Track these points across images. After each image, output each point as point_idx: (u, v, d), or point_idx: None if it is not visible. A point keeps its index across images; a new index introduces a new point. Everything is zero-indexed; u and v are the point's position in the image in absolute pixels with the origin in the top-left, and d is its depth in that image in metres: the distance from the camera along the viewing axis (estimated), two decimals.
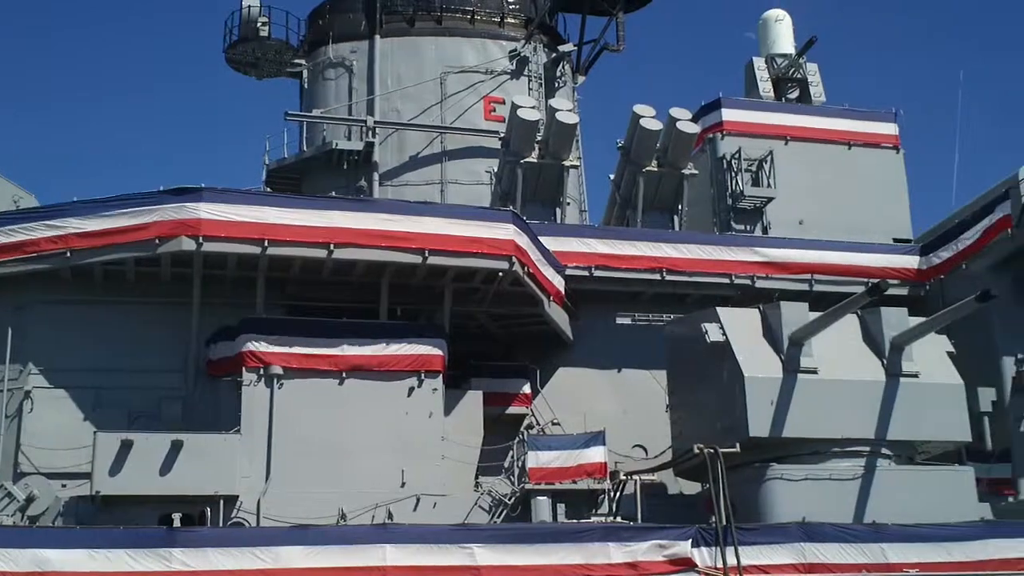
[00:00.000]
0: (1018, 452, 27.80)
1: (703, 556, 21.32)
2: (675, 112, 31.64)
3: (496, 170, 32.49)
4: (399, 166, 34.01)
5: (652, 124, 31.20)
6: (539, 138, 31.11)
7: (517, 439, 25.63)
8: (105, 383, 24.40)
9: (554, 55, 36.19)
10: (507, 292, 26.21)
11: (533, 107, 31.16)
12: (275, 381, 24.00)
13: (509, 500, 24.25)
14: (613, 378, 29.05)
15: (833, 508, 22.75)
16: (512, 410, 27.58)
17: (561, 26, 37.63)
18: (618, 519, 23.68)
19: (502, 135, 32.00)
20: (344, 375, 24.35)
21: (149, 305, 25.16)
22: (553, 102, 31.96)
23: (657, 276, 29.15)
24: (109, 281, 24.87)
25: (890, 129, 35.59)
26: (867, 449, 23.83)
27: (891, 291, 26.28)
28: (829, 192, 33.78)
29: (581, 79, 37.76)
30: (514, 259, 25.02)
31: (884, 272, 29.76)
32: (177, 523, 21.26)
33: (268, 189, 33.35)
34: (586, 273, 28.73)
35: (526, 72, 35.17)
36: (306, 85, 36.18)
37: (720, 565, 21.18)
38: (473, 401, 26.18)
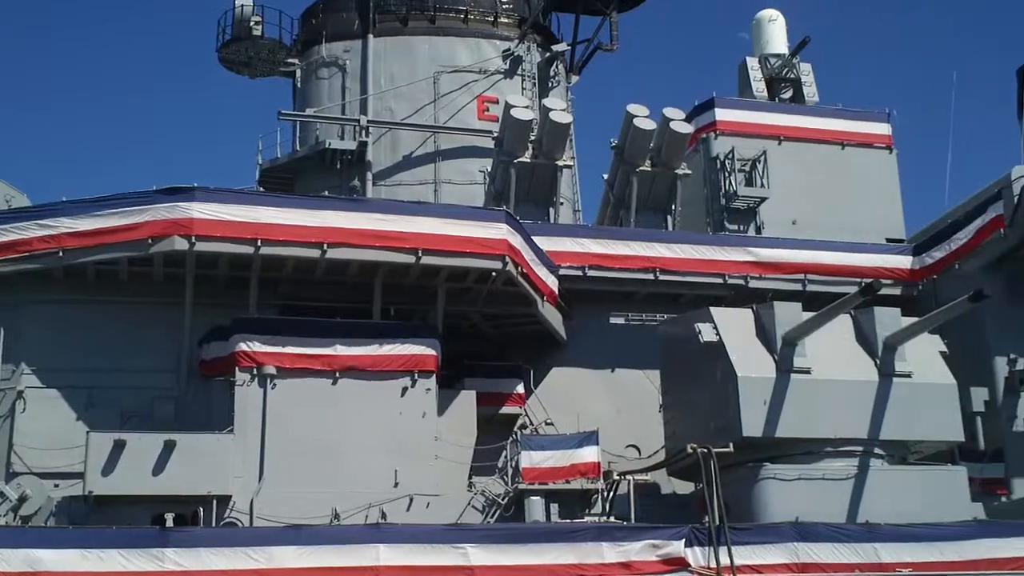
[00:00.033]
0: (1011, 452, 27.86)
1: (696, 556, 21.32)
2: (668, 112, 31.66)
3: (489, 170, 32.47)
4: (392, 166, 34.01)
5: (646, 124, 31.21)
6: (533, 138, 31.10)
7: (510, 439, 25.65)
8: (98, 383, 24.37)
9: (548, 55, 36.20)
10: (500, 292, 26.20)
11: (527, 107, 31.16)
12: (268, 381, 23.97)
13: (502, 500, 24.26)
14: (606, 378, 29.06)
15: (826, 508, 22.76)
16: (505, 410, 27.57)
17: (555, 26, 37.69)
18: (611, 519, 23.69)
19: (495, 135, 32.01)
20: (337, 375, 24.33)
21: (142, 305, 25.12)
22: (547, 102, 31.95)
23: (651, 276, 29.16)
24: (101, 281, 24.82)
25: (883, 129, 35.63)
26: (860, 449, 23.84)
27: (884, 291, 26.38)
28: (822, 192, 33.82)
29: (575, 79, 37.79)
30: (507, 259, 25.01)
31: (877, 272, 29.80)
32: (170, 523, 21.22)
33: (261, 189, 33.35)
34: (579, 273, 28.74)
35: (520, 72, 35.18)
36: (299, 84, 36.16)
37: (713, 565, 21.17)
38: (466, 401, 26.16)
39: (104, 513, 22.13)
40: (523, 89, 34.69)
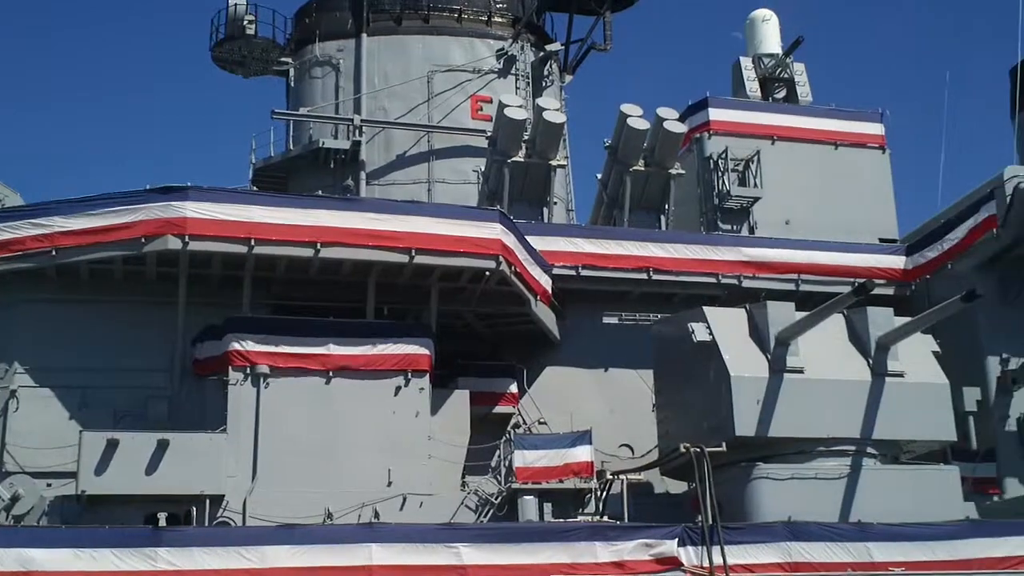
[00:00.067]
0: (1003, 451, 27.92)
1: (689, 555, 21.33)
2: (662, 112, 31.69)
3: (483, 169, 32.49)
4: (386, 165, 33.98)
5: (639, 123, 31.24)
6: (526, 137, 31.12)
7: (504, 438, 25.63)
8: (91, 382, 24.34)
9: (541, 54, 36.18)
10: (494, 291, 26.21)
11: (520, 106, 31.17)
12: (261, 380, 23.96)
13: (496, 499, 24.26)
14: (600, 377, 29.09)
15: (819, 507, 22.80)
16: (499, 409, 27.58)
17: (548, 25, 37.64)
18: (605, 518, 23.68)
19: (489, 134, 32.00)
20: (331, 374, 24.32)
21: (135, 304, 25.10)
22: (540, 101, 31.97)
23: (644, 276, 29.20)
24: (95, 280, 24.80)
25: (876, 129, 35.69)
26: (853, 448, 23.89)
27: (877, 291, 26.35)
28: (815, 192, 33.87)
29: (568, 78, 37.76)
30: (501, 258, 25.02)
31: (870, 272, 29.84)
32: (163, 522, 21.23)
33: (254, 188, 33.27)
34: (573, 272, 28.76)
35: (513, 71, 35.16)
36: (293, 84, 36.11)
37: (706, 564, 21.19)
38: (460, 400, 26.16)
39: (97, 512, 22.11)
40: (517, 89, 34.68)
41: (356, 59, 34.75)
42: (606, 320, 29.76)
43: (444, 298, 26.27)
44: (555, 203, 32.27)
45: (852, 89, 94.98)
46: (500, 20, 35.74)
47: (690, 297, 28.99)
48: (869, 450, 24.08)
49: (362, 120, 33.78)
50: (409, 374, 24.68)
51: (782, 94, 36.97)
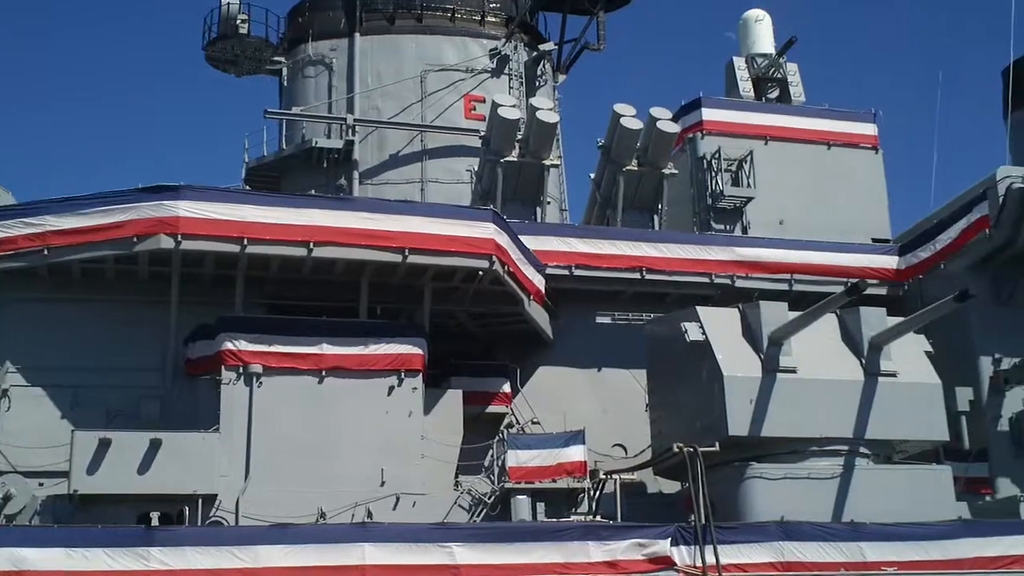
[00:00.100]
0: (995, 451, 27.99)
1: (682, 555, 21.35)
2: (655, 111, 31.68)
3: (476, 169, 32.46)
4: (379, 164, 33.96)
5: (632, 123, 31.23)
6: (519, 137, 31.09)
7: (497, 438, 25.63)
8: (83, 382, 24.27)
9: (535, 54, 36.20)
10: (487, 291, 26.19)
11: (513, 106, 31.16)
12: (254, 380, 23.90)
13: (489, 499, 24.25)
14: (593, 377, 29.08)
15: (812, 507, 22.81)
16: (492, 409, 27.56)
17: (542, 25, 37.67)
18: (598, 518, 23.69)
19: (482, 134, 31.99)
20: (324, 374, 24.27)
21: (127, 304, 25.06)
22: (534, 101, 31.93)
23: (637, 275, 29.19)
24: (87, 279, 24.75)
25: (869, 129, 35.73)
26: (845, 448, 23.90)
27: (870, 291, 26.45)
28: (808, 192, 33.91)
29: (562, 78, 37.79)
30: (494, 258, 25.00)
31: (863, 272, 29.87)
32: (155, 522, 21.16)
33: (247, 187, 33.25)
34: (566, 272, 28.75)
35: (506, 71, 35.17)
36: (286, 83, 36.08)
37: (699, 564, 21.20)
38: (453, 400, 26.14)
39: (89, 512, 22.04)
40: (510, 88, 34.68)
41: (349, 58, 34.74)
42: (599, 320, 29.76)
43: (437, 298, 26.25)
44: (548, 203, 32.25)
45: (845, 89, 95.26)
46: (493, 20, 35.73)
47: (683, 297, 29.00)
48: (862, 450, 24.09)
49: (355, 119, 33.76)
50: (402, 374, 24.65)
51: (775, 94, 37.00)
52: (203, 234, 23.65)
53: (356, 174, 33.58)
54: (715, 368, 23.52)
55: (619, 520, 23.20)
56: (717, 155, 33.33)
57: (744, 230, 33.14)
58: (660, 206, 32.27)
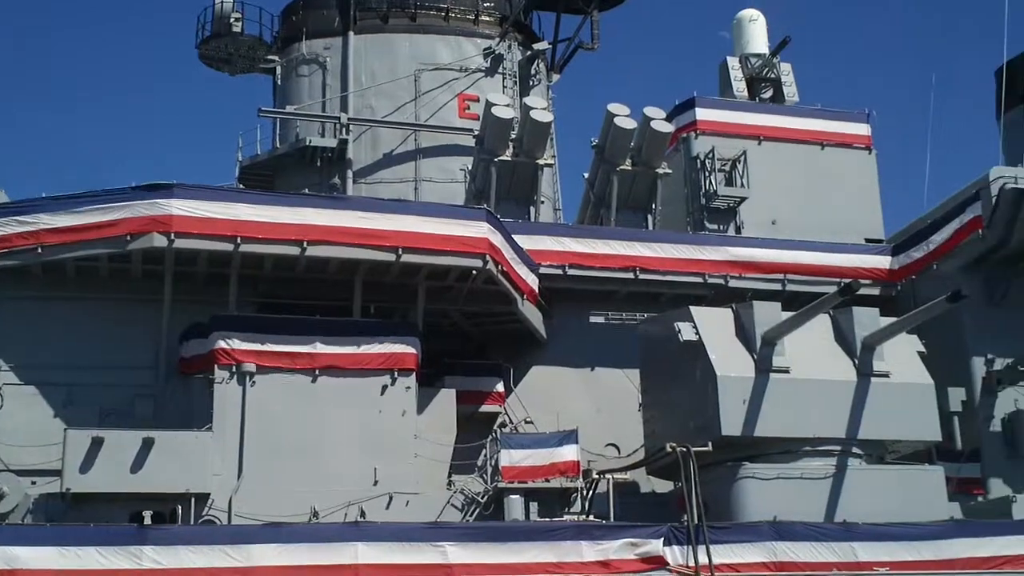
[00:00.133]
0: (987, 452, 28.05)
1: (675, 554, 21.39)
2: (649, 111, 31.69)
3: (470, 168, 32.45)
4: (373, 163, 33.92)
5: (626, 123, 31.24)
6: (513, 136, 31.09)
7: (490, 437, 25.59)
8: (76, 380, 24.26)
9: (529, 53, 36.15)
10: (481, 290, 26.20)
11: (507, 105, 31.14)
12: (247, 379, 23.88)
13: (482, 498, 24.23)
14: (586, 377, 29.09)
15: (804, 507, 22.86)
16: (485, 408, 27.58)
17: (536, 24, 37.59)
18: (590, 518, 23.69)
19: (476, 133, 31.97)
20: (317, 373, 24.25)
21: (121, 302, 25.04)
22: (528, 100, 31.95)
23: (631, 275, 29.22)
24: (80, 277, 24.75)
25: (862, 130, 35.74)
26: (838, 448, 23.95)
27: (863, 291, 26.43)
28: (802, 192, 33.91)
29: (556, 77, 37.74)
30: (488, 257, 25.02)
31: (856, 272, 29.91)
32: (148, 521, 21.16)
33: (241, 186, 33.18)
34: (560, 272, 28.76)
35: (500, 70, 35.12)
36: (279, 82, 35.99)
37: (692, 564, 21.24)
38: (446, 399, 26.13)
39: (82, 510, 21.98)
40: (504, 87, 34.65)
41: (343, 57, 34.67)
42: (593, 319, 29.78)
43: (431, 297, 26.26)
44: (542, 202, 32.26)
45: (839, 90, 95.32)
46: (487, 19, 35.70)
47: (677, 297, 29.02)
48: (854, 450, 24.14)
49: (349, 118, 33.71)
50: (395, 373, 24.63)
51: (769, 94, 37.00)
52: (196, 232, 23.65)
53: (350, 173, 33.52)
54: (708, 368, 23.54)
55: (612, 520, 23.24)
56: (711, 155, 33.34)
57: (738, 230, 33.16)
58: (654, 206, 32.29)
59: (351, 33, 34.85)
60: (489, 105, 30.68)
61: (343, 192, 32.74)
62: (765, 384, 23.59)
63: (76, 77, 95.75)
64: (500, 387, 27.83)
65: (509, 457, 24.15)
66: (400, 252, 24.57)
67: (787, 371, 23.82)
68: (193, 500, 22.52)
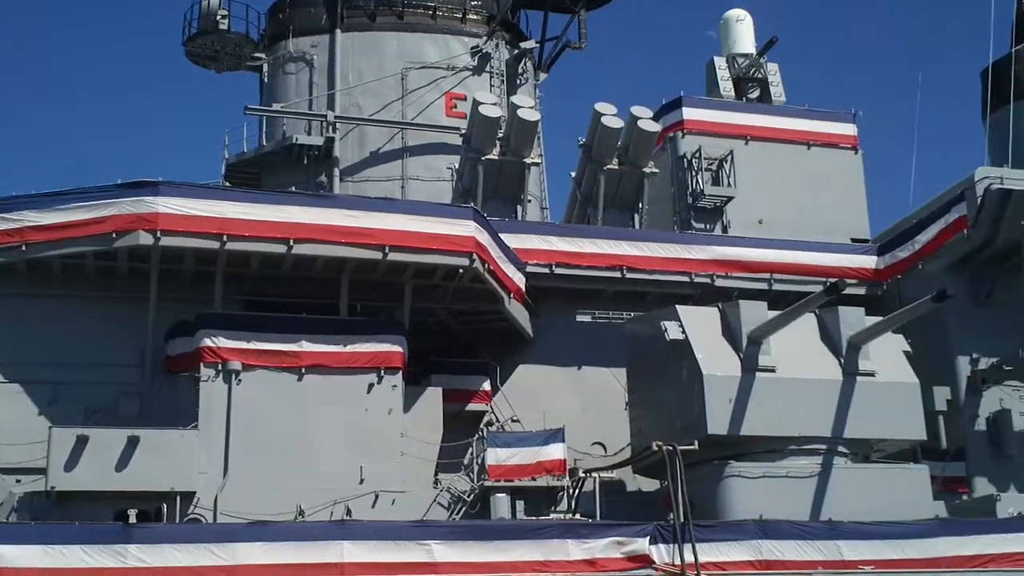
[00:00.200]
0: (972, 451, 28.17)
1: (661, 553, 21.43)
2: (636, 110, 31.69)
3: (457, 167, 32.41)
4: (360, 162, 33.86)
5: (613, 122, 31.24)
6: (500, 135, 31.07)
7: (477, 436, 25.62)
8: (61, 378, 24.19)
9: (516, 52, 36.13)
10: (467, 289, 26.19)
11: (495, 104, 31.11)
12: (233, 377, 23.83)
13: (468, 497, 24.23)
14: (573, 375, 29.10)
15: (790, 505, 22.92)
16: (472, 407, 27.55)
17: (523, 23, 37.58)
18: (577, 516, 23.73)
19: (463, 132, 31.94)
20: (303, 371, 24.21)
21: (106, 300, 24.98)
22: (515, 99, 31.93)
23: (617, 274, 29.24)
24: (66, 275, 24.69)
25: (849, 130, 35.80)
26: (824, 447, 24.01)
27: (849, 290, 26.50)
28: (788, 192, 33.93)
29: (543, 76, 37.73)
30: (475, 256, 25.01)
31: (842, 272, 29.95)
32: (133, 519, 21.12)
33: (227, 184, 33.11)
34: (547, 270, 28.76)
35: (488, 68, 35.10)
36: (266, 79, 35.90)
37: (678, 562, 21.28)
38: (433, 398, 26.11)
39: (66, 509, 21.92)
40: (491, 86, 34.63)
41: (330, 55, 34.60)
42: (579, 318, 29.79)
43: (417, 295, 26.24)
44: (529, 201, 32.25)
45: (825, 90, 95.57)
46: (475, 17, 35.67)
47: (663, 296, 29.04)
48: (840, 449, 24.21)
49: (336, 116, 33.65)
50: (382, 371, 24.62)
51: (756, 94, 37.04)
52: (182, 230, 23.59)
53: (336, 171, 33.45)
54: (695, 367, 23.58)
55: (598, 518, 23.28)
56: (698, 154, 33.37)
57: (724, 229, 33.19)
58: (641, 205, 32.30)
59: (338, 31, 34.78)
60: (476, 104, 30.65)
61: (330, 190, 32.69)
62: (751, 383, 23.64)
63: (61, 74, 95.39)
64: (487, 386, 27.81)
65: (495, 456, 24.16)
66: (387, 250, 24.54)
67: (773, 370, 23.88)
68: (178, 498, 22.45)
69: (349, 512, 22.82)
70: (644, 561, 21.35)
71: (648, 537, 21.46)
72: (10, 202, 24.16)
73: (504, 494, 23.76)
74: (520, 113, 30.52)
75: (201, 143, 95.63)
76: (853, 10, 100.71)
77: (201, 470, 22.97)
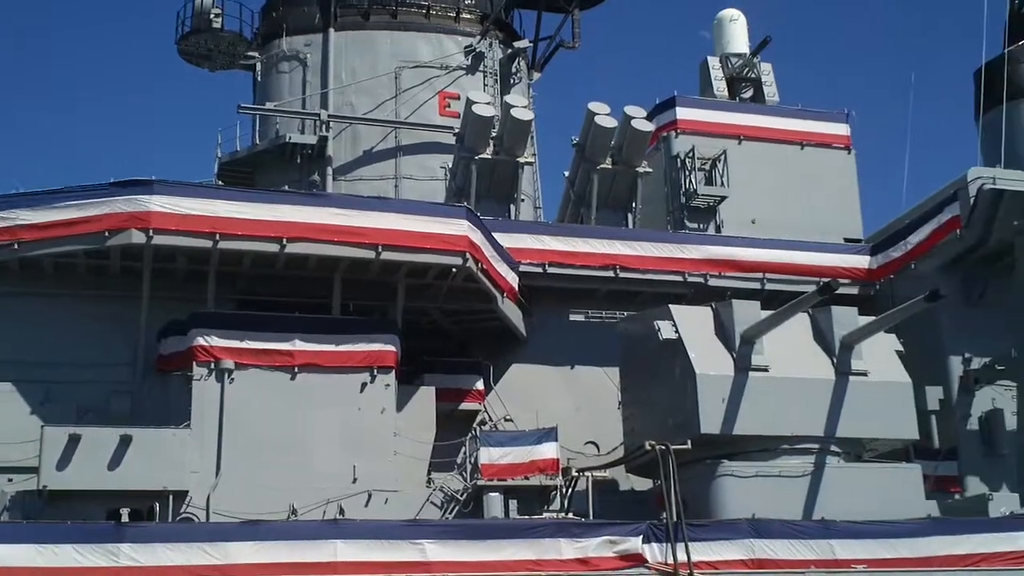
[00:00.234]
0: (964, 450, 28.19)
1: (654, 552, 21.42)
2: (630, 110, 31.69)
3: (450, 166, 32.41)
4: (353, 161, 33.87)
5: (607, 122, 31.23)
6: (494, 134, 31.05)
7: (470, 435, 25.64)
8: (54, 377, 24.11)
9: (509, 51, 36.17)
10: (460, 288, 26.16)
11: (488, 103, 31.11)
12: (226, 376, 23.79)
13: (461, 496, 24.24)
14: (566, 375, 29.09)
15: (782, 505, 22.92)
16: (465, 406, 27.50)
17: (517, 22, 37.66)
18: (570, 515, 23.72)
19: (457, 131, 31.94)
20: (296, 370, 24.18)
21: (99, 299, 24.91)
22: (508, 98, 31.90)
23: (611, 273, 29.23)
24: (58, 274, 24.62)
25: (842, 130, 35.85)
26: (816, 446, 24.02)
27: (841, 290, 26.57)
28: (781, 192, 33.97)
29: (536, 75, 37.79)
30: (468, 255, 24.99)
31: (835, 271, 30.00)
32: (125, 518, 21.07)
33: (220, 182, 33.09)
34: (540, 270, 28.74)
35: (481, 68, 35.13)
36: (259, 78, 35.93)
37: (671, 561, 21.28)
38: (426, 397, 26.10)
39: (59, 508, 21.85)
40: (485, 85, 34.66)
41: (323, 54, 34.62)
42: (573, 318, 29.78)
43: (410, 294, 26.22)
44: (522, 200, 32.23)
45: (819, 89, 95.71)
46: (468, 16, 35.70)
47: (656, 295, 29.03)
48: (833, 448, 24.22)
49: (329, 115, 33.66)
50: (375, 370, 24.60)
51: (749, 94, 37.08)
52: (175, 229, 23.53)
53: (330, 170, 33.47)
54: (688, 366, 23.59)
55: (591, 517, 23.25)
56: (691, 154, 33.40)
57: (717, 229, 33.23)
58: (634, 204, 32.30)
59: (332, 30, 34.82)
60: (470, 103, 30.64)
61: (323, 189, 32.70)
62: (744, 382, 23.64)
63: (53, 73, 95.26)
64: (480, 385, 27.78)
65: (488, 455, 24.15)
66: (380, 249, 24.50)
67: (766, 369, 23.88)
68: (171, 498, 22.39)
69: (342, 511, 22.80)
70: (637, 560, 21.35)
71: (641, 536, 21.46)
72: (2, 201, 24.09)
73: (497, 493, 23.76)
74: (513, 112, 30.51)
75: (194, 142, 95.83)
76: (846, 10, 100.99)
77: (193, 469, 22.92)
